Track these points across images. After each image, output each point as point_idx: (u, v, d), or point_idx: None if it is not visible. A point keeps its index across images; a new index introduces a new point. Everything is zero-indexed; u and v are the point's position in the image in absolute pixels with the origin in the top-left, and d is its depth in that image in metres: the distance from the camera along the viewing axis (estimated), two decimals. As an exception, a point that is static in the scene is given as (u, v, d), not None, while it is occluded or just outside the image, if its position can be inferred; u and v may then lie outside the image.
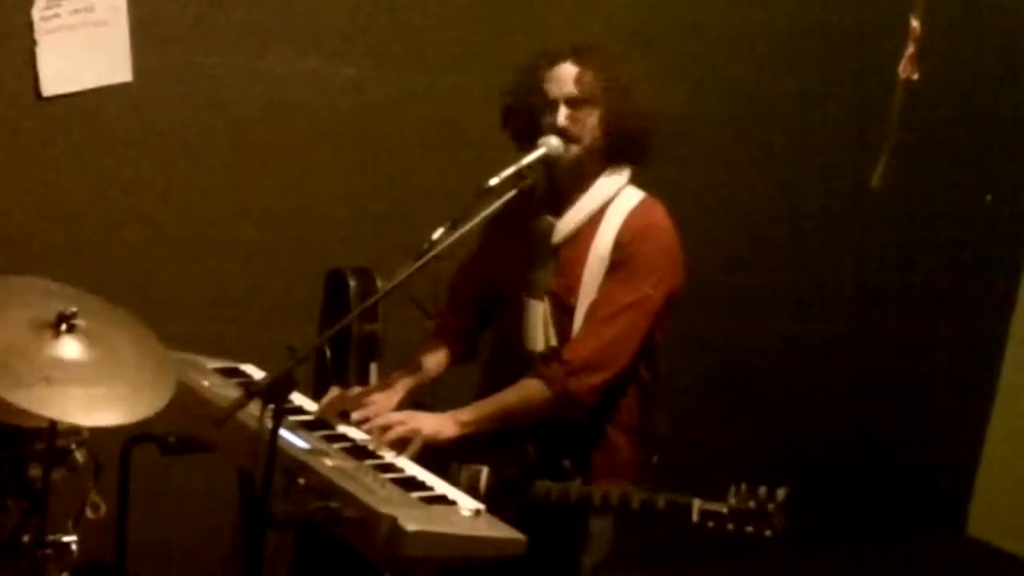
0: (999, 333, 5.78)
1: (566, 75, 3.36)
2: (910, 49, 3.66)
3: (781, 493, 3.08)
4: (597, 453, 3.46)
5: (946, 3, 4.74)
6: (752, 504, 3.06)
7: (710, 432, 5.17)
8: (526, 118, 3.43)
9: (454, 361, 3.64)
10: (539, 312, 3.42)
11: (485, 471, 3.27)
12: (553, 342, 3.40)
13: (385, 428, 3.30)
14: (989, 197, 5.61)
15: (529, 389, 3.35)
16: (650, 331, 3.40)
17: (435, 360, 3.60)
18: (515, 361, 3.46)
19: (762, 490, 3.08)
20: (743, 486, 3.08)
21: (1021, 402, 5.72)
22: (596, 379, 3.34)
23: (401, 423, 3.30)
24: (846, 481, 5.52)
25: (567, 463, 3.34)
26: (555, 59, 3.39)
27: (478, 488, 3.25)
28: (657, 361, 3.53)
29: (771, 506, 3.07)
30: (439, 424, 3.30)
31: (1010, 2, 5.44)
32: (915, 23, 3.66)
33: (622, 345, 3.36)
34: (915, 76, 3.67)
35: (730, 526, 3.09)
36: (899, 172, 4.04)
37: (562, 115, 3.35)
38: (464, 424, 3.31)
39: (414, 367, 3.57)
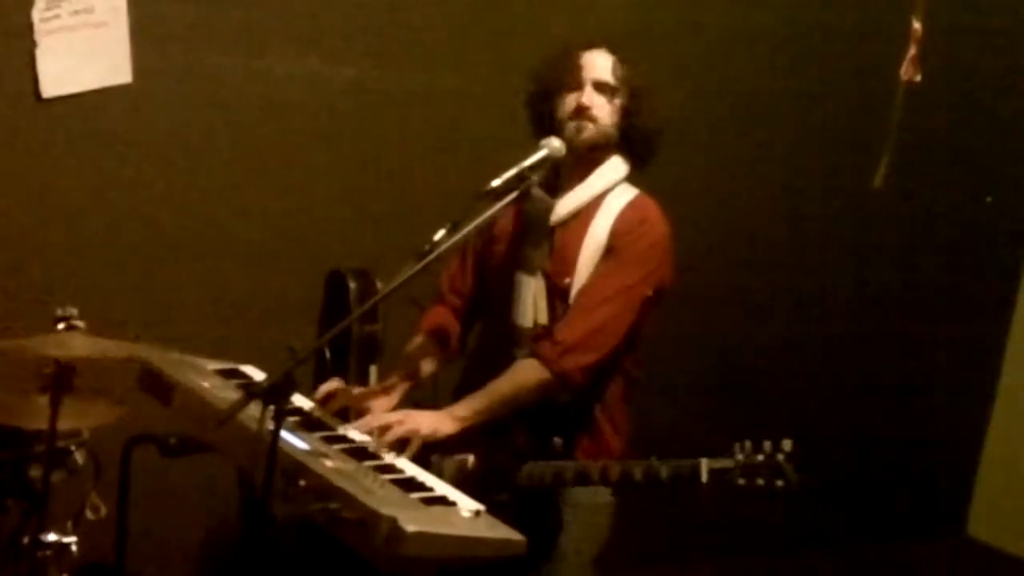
0: (999, 333, 5.78)
1: (602, 61, 3.46)
2: (911, 50, 3.66)
3: (788, 444, 3.08)
4: (585, 439, 3.48)
5: (946, 4, 4.74)
6: (760, 458, 3.07)
7: (710, 432, 5.15)
8: (551, 100, 3.47)
9: (448, 359, 3.65)
10: (530, 287, 3.45)
11: (470, 459, 3.27)
12: (541, 318, 3.43)
13: (384, 429, 3.30)
14: (989, 197, 5.61)
15: (522, 371, 3.37)
16: (638, 320, 3.44)
17: (430, 361, 3.61)
18: (502, 336, 3.47)
19: (767, 444, 3.08)
20: (747, 442, 3.08)
21: (1021, 402, 5.72)
22: (587, 359, 3.37)
23: (399, 423, 3.31)
24: (846, 481, 5.52)
25: (558, 441, 3.34)
26: (591, 44, 3.49)
27: (465, 476, 3.25)
28: (640, 354, 3.56)
29: (780, 456, 3.07)
30: (436, 422, 3.31)
31: (1010, 2, 5.44)
32: (916, 24, 3.66)
33: (611, 329, 3.39)
34: (917, 78, 3.67)
35: (741, 481, 3.08)
36: (899, 172, 4.04)
37: (588, 94, 3.42)
38: (461, 419, 3.32)
39: (410, 369, 3.57)
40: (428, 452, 3.32)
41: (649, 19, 4.77)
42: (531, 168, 3.33)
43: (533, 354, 3.37)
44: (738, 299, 5.15)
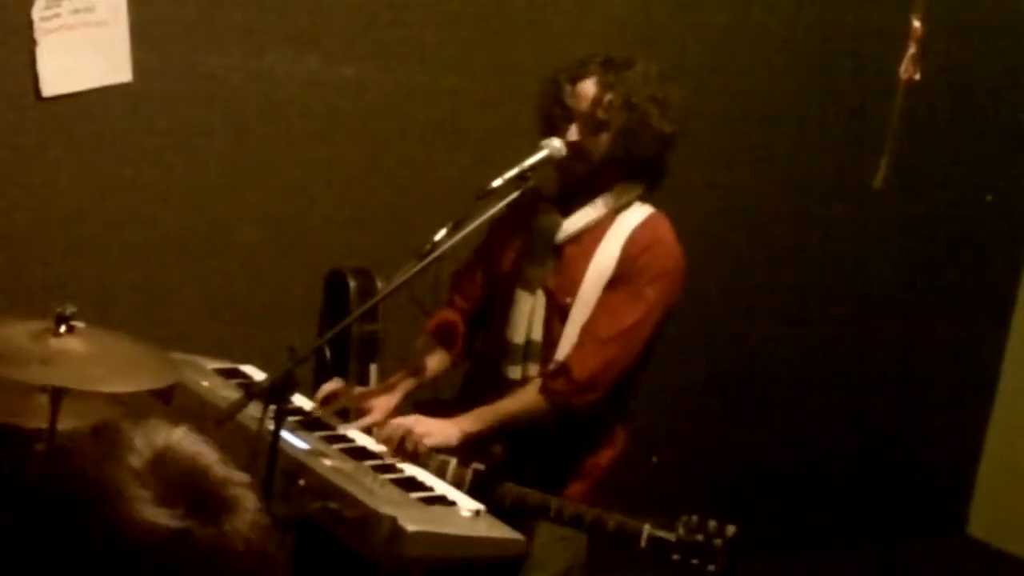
0: (999, 333, 5.78)
1: (587, 93, 3.38)
2: (911, 49, 3.66)
3: (730, 530, 3.06)
4: (605, 449, 3.49)
5: (946, 3, 4.74)
6: (700, 537, 3.05)
7: (710, 432, 5.16)
8: (545, 123, 3.45)
9: (453, 362, 3.65)
10: (527, 305, 3.44)
11: (453, 463, 3.27)
12: (535, 335, 3.42)
13: (395, 439, 3.28)
14: (989, 197, 5.61)
15: (530, 401, 3.37)
16: (649, 346, 3.45)
17: (434, 361, 3.61)
18: (495, 348, 3.47)
19: (712, 524, 3.07)
20: (694, 517, 3.07)
21: (1021, 402, 5.72)
22: (597, 395, 3.40)
23: (409, 431, 3.29)
24: (846, 481, 5.52)
25: (528, 470, 3.35)
26: (581, 74, 3.40)
27: (444, 478, 3.25)
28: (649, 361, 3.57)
29: (718, 541, 3.05)
30: (445, 433, 3.29)
31: (1010, 2, 5.43)
32: (916, 23, 3.66)
33: (623, 363, 3.41)
34: (917, 76, 3.67)
35: (676, 556, 3.07)
36: (900, 172, 4.04)
37: (573, 131, 3.37)
38: (467, 434, 3.32)
39: (413, 368, 3.58)
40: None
41: (649, 19, 4.77)
42: (532, 168, 3.33)
43: (546, 387, 3.36)
44: (738, 299, 5.14)
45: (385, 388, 3.53)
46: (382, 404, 3.47)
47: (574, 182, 3.44)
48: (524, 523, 3.29)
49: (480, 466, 3.27)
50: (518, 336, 3.44)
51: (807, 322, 5.31)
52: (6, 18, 3.93)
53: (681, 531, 3.06)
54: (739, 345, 5.20)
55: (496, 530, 3.01)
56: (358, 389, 3.58)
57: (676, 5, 4.86)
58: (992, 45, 5.43)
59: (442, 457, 3.30)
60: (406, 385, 3.54)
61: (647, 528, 3.10)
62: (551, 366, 3.39)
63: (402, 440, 3.27)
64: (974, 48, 5.34)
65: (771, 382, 5.30)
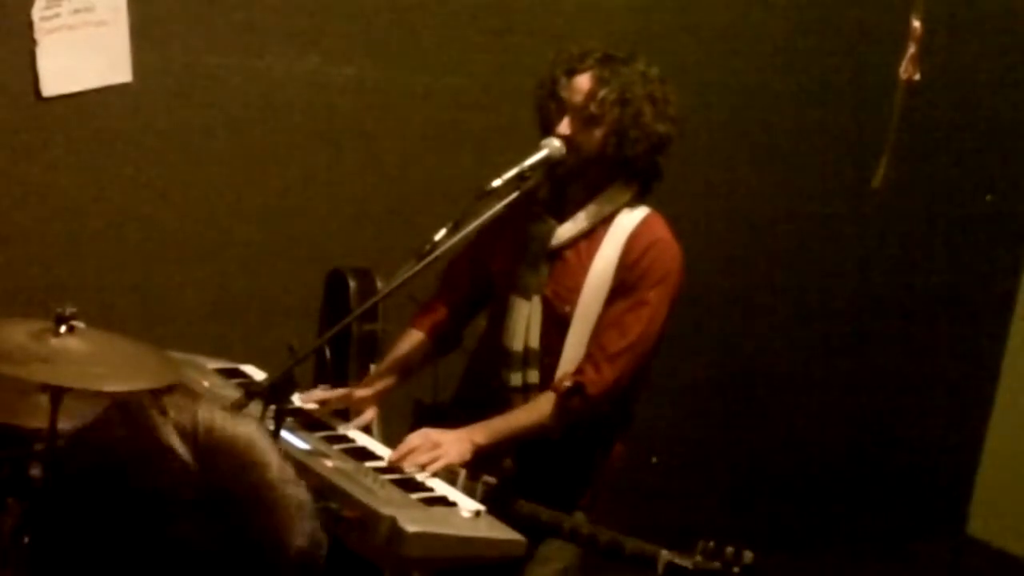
0: (999, 333, 5.78)
1: (581, 87, 3.34)
2: (911, 49, 3.66)
3: (748, 556, 3.04)
4: (598, 461, 3.49)
5: (946, 3, 4.74)
6: (717, 564, 3.03)
7: (710, 432, 5.16)
8: (541, 117, 3.43)
9: (438, 352, 3.62)
10: (523, 312, 3.42)
11: (463, 474, 3.26)
12: (532, 342, 3.41)
13: (411, 453, 3.26)
14: (989, 197, 5.61)
15: (543, 417, 3.34)
16: (656, 348, 3.44)
17: (421, 354, 3.58)
18: (494, 356, 3.46)
19: (729, 550, 3.04)
20: (711, 543, 3.05)
21: (1021, 402, 5.72)
22: (607, 407, 3.39)
23: (421, 449, 3.27)
24: (846, 481, 5.52)
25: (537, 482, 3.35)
26: (578, 68, 3.36)
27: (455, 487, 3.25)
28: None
29: (735, 569, 3.04)
30: (461, 451, 3.27)
31: (1010, 2, 5.43)
32: (916, 23, 3.66)
33: (632, 373, 3.39)
34: (916, 76, 3.67)
35: None
36: (899, 172, 4.04)
37: (565, 124, 3.34)
38: (480, 446, 3.31)
39: (401, 362, 3.56)
40: None
41: (649, 19, 4.76)
42: (531, 168, 3.32)
43: (561, 405, 3.34)
44: (738, 299, 5.14)
45: (375, 394, 3.52)
46: (371, 412, 3.48)
47: (566, 183, 3.42)
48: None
49: (491, 479, 3.25)
50: (516, 344, 3.42)
51: (807, 322, 5.31)
52: (6, 18, 3.93)
53: (699, 557, 3.04)
54: (739, 345, 5.21)
55: (496, 531, 3.01)
56: (359, 391, 3.58)
57: (676, 5, 4.86)
58: (992, 45, 5.43)
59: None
60: (388, 380, 3.53)
61: (664, 554, 3.07)
62: (565, 382, 3.34)
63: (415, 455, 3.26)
64: (974, 48, 5.34)
65: (771, 382, 5.30)
